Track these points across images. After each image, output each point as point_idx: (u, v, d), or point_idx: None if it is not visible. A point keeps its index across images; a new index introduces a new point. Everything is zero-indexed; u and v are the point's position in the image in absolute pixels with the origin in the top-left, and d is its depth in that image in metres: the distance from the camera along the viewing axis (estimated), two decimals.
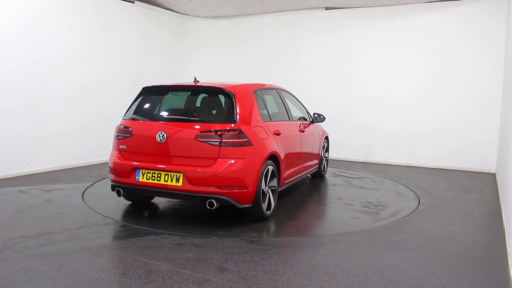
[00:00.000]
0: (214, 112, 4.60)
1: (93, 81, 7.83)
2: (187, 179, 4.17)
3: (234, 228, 4.35)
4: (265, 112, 4.98)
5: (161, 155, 4.36)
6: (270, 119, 5.01)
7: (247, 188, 4.23)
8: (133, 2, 8.63)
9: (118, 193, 4.64)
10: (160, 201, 5.36)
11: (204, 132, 4.22)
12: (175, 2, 9.05)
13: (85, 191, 5.80)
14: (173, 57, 9.96)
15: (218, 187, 4.13)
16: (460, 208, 5.34)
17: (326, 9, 9.17)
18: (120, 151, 4.64)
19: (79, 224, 4.35)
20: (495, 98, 7.75)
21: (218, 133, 4.20)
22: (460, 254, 3.74)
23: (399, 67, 8.60)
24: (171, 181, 4.24)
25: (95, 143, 7.78)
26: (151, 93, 4.89)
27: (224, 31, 10.36)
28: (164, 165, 4.30)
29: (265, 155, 4.44)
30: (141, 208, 5.15)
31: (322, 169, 7.04)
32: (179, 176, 4.21)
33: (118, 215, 4.79)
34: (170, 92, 4.90)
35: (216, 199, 4.14)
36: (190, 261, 3.42)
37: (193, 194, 4.20)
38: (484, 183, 6.95)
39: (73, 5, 7.37)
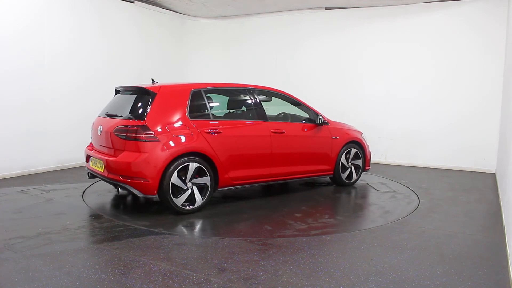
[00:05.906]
0: (133, 110, 4.97)
1: (93, 80, 7.82)
2: (105, 167, 4.80)
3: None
4: (202, 111, 5.12)
5: (98, 145, 5.18)
6: (210, 118, 5.10)
7: (147, 180, 4.53)
8: (133, 2, 8.63)
9: (88, 175, 5.39)
10: None
11: (117, 127, 4.78)
12: (175, 2, 9.05)
13: (85, 191, 5.80)
14: (173, 57, 9.96)
15: (122, 176, 4.62)
16: (460, 208, 5.34)
17: (326, 9, 9.17)
18: (90, 141, 5.57)
19: (79, 224, 4.35)
20: (495, 98, 7.74)
21: (125, 128, 4.70)
22: (460, 254, 3.74)
23: (399, 67, 8.60)
24: (99, 168, 4.93)
25: None
26: (116, 93, 5.60)
27: (224, 31, 10.35)
28: (97, 154, 5.06)
29: (175, 151, 4.66)
30: (141, 208, 5.16)
31: (346, 176, 6.48)
32: (102, 164, 4.86)
33: (118, 215, 4.79)
34: (121, 92, 5.50)
35: (121, 187, 4.69)
36: (190, 261, 3.42)
37: (109, 180, 4.82)
38: (484, 183, 6.94)
39: (73, 5, 7.37)
